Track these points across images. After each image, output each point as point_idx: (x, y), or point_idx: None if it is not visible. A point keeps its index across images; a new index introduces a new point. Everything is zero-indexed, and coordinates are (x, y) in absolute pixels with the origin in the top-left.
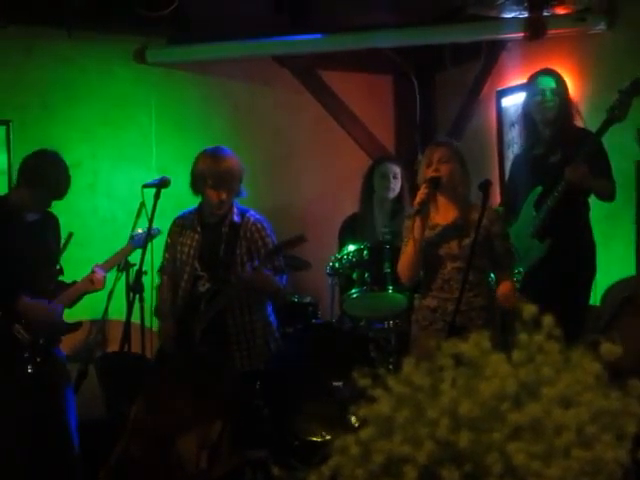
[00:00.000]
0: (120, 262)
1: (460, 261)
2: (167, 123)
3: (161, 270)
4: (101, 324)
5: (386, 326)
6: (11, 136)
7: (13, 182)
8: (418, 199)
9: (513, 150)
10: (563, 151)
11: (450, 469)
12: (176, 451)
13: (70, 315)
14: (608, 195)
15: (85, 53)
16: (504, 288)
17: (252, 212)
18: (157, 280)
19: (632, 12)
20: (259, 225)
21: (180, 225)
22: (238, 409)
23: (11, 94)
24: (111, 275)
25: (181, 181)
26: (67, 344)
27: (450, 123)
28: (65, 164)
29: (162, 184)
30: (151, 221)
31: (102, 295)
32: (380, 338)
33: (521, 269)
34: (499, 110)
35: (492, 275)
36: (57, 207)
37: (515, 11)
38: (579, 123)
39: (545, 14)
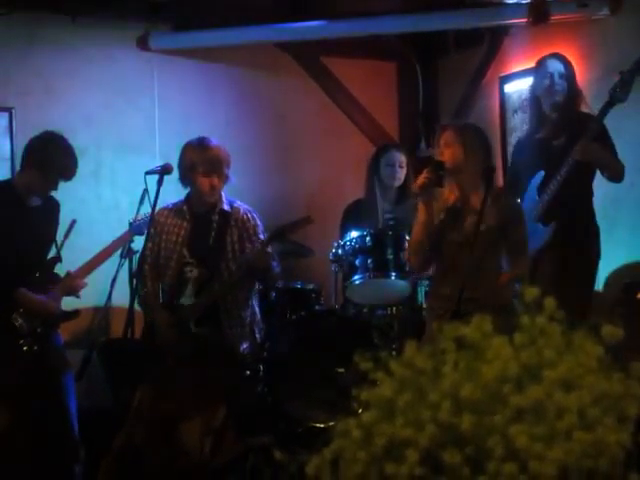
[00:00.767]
0: (119, 248)
1: (474, 247)
2: (170, 110)
3: (143, 259)
4: (104, 311)
5: (389, 312)
6: (14, 123)
7: (16, 168)
8: (419, 182)
9: (516, 136)
10: (567, 135)
11: (452, 452)
12: (180, 437)
13: (73, 302)
14: (617, 173)
15: (88, 40)
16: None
17: (239, 202)
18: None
19: None
20: (249, 215)
21: (165, 215)
22: (239, 393)
23: (14, 81)
24: (114, 262)
25: None
26: (70, 331)
27: (453, 109)
28: (71, 145)
29: (165, 170)
30: (154, 207)
31: (105, 282)
32: (383, 324)
33: None
34: (502, 96)
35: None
36: (60, 194)
37: None
38: (584, 109)
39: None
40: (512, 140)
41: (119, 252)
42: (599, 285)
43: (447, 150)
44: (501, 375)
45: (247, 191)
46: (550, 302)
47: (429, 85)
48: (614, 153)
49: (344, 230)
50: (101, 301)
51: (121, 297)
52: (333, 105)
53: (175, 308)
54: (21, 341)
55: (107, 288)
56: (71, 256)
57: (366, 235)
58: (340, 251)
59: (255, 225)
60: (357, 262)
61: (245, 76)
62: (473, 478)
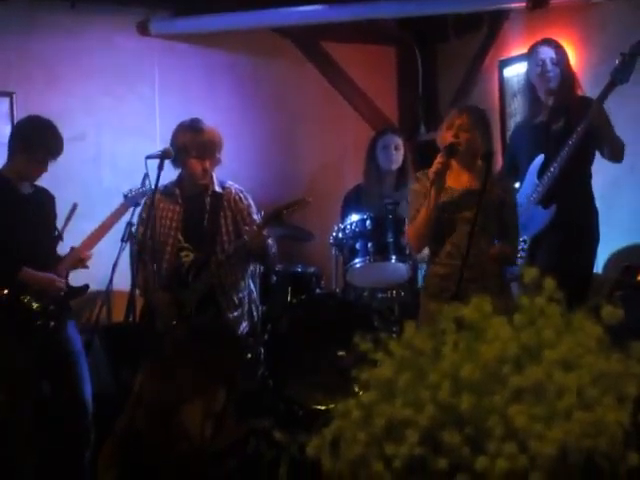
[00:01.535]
0: (118, 221)
1: (471, 226)
2: (170, 95)
3: (138, 245)
4: (106, 295)
5: (389, 296)
6: (14, 108)
7: None
8: (434, 169)
9: (515, 120)
10: (566, 119)
11: (451, 432)
12: (180, 421)
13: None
14: (618, 151)
15: (88, 25)
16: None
17: (230, 182)
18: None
19: None
20: (241, 195)
21: (157, 199)
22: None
23: (14, 67)
24: (115, 246)
25: None
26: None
27: (452, 94)
28: (51, 122)
29: (165, 155)
30: (155, 191)
31: (107, 265)
32: (383, 308)
33: (525, 237)
34: (501, 80)
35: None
36: (61, 179)
37: None
38: (580, 92)
39: None
40: (511, 124)
41: (120, 237)
42: (599, 268)
43: (464, 134)
44: (501, 355)
45: (247, 176)
46: (550, 282)
47: (429, 70)
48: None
49: (344, 216)
50: (102, 285)
51: (122, 281)
52: (333, 90)
53: (173, 293)
54: (37, 321)
55: (108, 272)
56: (73, 240)
57: (366, 219)
58: (340, 235)
59: (248, 205)
60: (357, 246)
61: (245, 61)
62: (473, 458)
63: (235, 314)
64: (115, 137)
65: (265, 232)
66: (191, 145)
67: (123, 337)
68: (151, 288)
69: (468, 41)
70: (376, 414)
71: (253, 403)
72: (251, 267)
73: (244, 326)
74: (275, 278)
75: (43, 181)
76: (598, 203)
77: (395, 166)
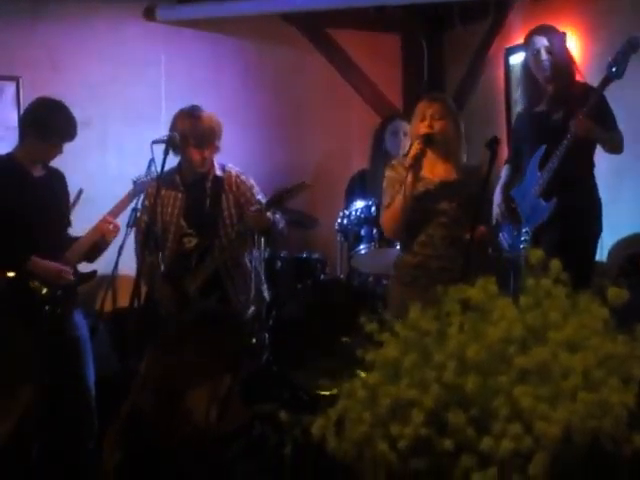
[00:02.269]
0: (126, 208)
1: (445, 217)
2: (176, 81)
3: (140, 232)
4: (111, 279)
5: None
6: (21, 92)
7: None
8: (412, 154)
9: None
10: (566, 108)
11: (456, 413)
12: (186, 405)
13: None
14: (616, 146)
15: (94, 10)
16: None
17: (230, 165)
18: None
19: None
20: (243, 177)
21: (157, 187)
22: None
23: (20, 53)
24: (121, 231)
25: None
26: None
27: (458, 81)
28: (65, 105)
29: (171, 140)
30: (160, 176)
31: (112, 250)
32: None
33: (528, 229)
34: (507, 68)
35: None
36: (67, 166)
37: None
38: (580, 78)
39: None
40: (517, 111)
41: (125, 222)
42: (602, 256)
43: (438, 123)
44: (506, 336)
45: (253, 162)
46: (556, 264)
47: (434, 57)
48: (614, 123)
49: (349, 200)
50: (108, 270)
51: (128, 266)
52: (339, 77)
53: (176, 279)
54: (45, 307)
55: (114, 257)
56: (79, 226)
57: (371, 205)
58: (345, 221)
59: (251, 186)
60: (362, 232)
61: (251, 47)
62: (478, 439)
63: (242, 297)
64: (121, 123)
65: (269, 213)
66: (190, 133)
67: (128, 322)
68: (152, 276)
69: (474, 29)
70: (381, 394)
71: (258, 388)
72: (256, 252)
73: (252, 310)
74: (280, 264)
75: None
76: (602, 191)
77: (402, 152)
